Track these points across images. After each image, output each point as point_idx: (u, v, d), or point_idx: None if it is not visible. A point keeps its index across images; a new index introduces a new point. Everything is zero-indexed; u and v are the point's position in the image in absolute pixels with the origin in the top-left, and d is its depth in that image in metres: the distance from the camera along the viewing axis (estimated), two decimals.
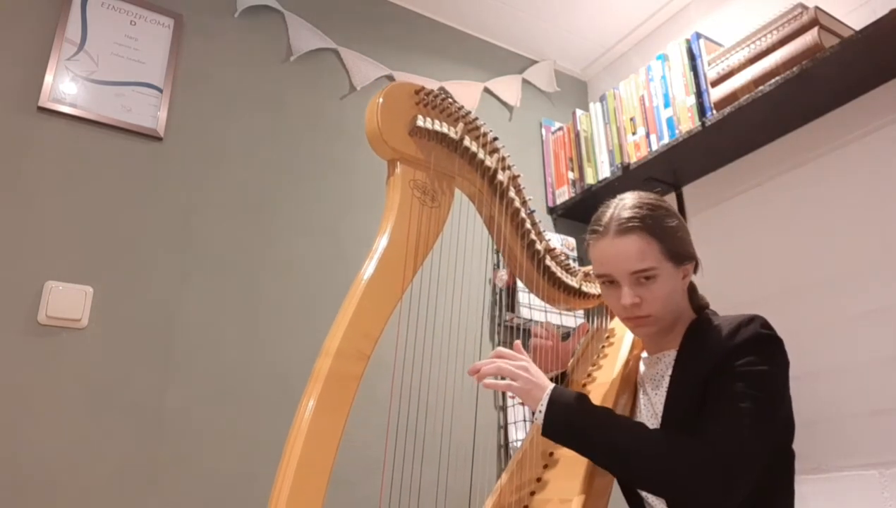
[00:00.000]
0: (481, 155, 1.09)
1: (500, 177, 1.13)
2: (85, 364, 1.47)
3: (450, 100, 1.06)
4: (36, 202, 1.52)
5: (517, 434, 1.88)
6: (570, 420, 0.99)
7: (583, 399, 1.02)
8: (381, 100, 0.98)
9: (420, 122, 1.00)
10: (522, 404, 1.90)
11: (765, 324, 1.03)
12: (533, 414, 1.08)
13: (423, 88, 1.03)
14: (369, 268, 0.90)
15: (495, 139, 1.13)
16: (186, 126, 1.76)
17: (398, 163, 1.00)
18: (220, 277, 1.68)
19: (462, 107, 1.08)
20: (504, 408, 1.94)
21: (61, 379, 1.44)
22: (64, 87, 1.62)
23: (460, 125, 1.07)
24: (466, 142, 1.07)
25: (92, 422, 1.44)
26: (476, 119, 1.10)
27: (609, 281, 1.09)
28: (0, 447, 1.35)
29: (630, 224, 1.06)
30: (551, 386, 1.03)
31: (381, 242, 0.93)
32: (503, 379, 1.06)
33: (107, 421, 1.46)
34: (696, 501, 0.92)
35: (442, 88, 2.23)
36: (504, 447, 1.89)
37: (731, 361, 1.00)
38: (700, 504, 0.92)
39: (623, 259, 1.05)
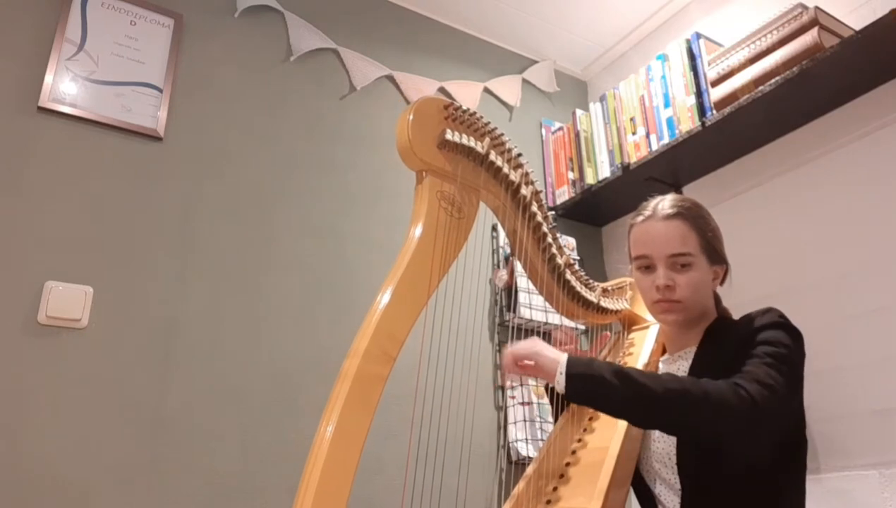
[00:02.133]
0: (506, 169, 1.12)
1: (524, 191, 1.16)
2: (85, 364, 1.47)
3: (477, 115, 1.09)
4: (36, 202, 1.52)
5: (517, 434, 1.88)
6: (590, 374, 0.96)
7: (595, 359, 1.01)
8: (411, 116, 1.01)
9: (448, 136, 1.03)
10: (523, 404, 1.92)
11: (781, 314, 1.07)
12: (548, 389, 1.08)
13: (451, 104, 1.06)
14: (398, 273, 0.92)
15: (520, 155, 1.16)
16: (186, 126, 1.76)
17: (426, 173, 1.02)
18: (220, 277, 1.68)
19: (489, 123, 1.11)
20: (504, 408, 1.94)
21: (61, 379, 1.44)
22: (64, 87, 1.62)
23: (487, 140, 1.09)
24: (492, 156, 1.10)
25: (92, 422, 1.44)
26: (501, 134, 1.13)
27: (645, 267, 1.15)
28: (0, 447, 1.35)
29: (676, 210, 1.13)
30: (565, 355, 1.00)
31: (409, 248, 0.95)
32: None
33: (107, 421, 1.46)
34: (724, 427, 0.92)
35: (442, 88, 2.24)
36: (504, 447, 1.89)
37: (753, 340, 1.03)
38: (728, 431, 0.92)
39: (665, 240, 1.12)
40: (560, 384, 0.97)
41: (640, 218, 1.17)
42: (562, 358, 0.98)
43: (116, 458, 1.44)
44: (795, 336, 1.05)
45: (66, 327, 1.47)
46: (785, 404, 0.97)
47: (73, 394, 1.44)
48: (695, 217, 1.14)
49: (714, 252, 1.14)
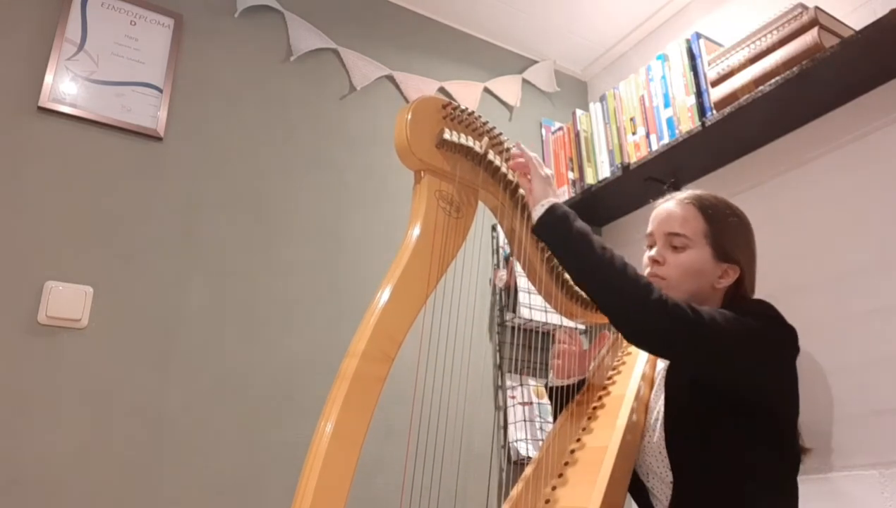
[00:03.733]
0: (504, 169, 1.12)
1: (522, 190, 1.15)
2: (85, 364, 1.47)
3: (476, 115, 1.09)
4: (36, 202, 1.52)
5: (517, 434, 1.88)
6: (564, 224, 1.05)
7: (578, 221, 1.07)
8: (409, 115, 1.01)
9: (447, 135, 1.03)
10: (523, 404, 1.92)
11: (771, 307, 1.07)
12: (548, 390, 1.24)
13: (449, 103, 1.06)
14: (396, 274, 0.92)
15: None
16: (186, 126, 1.76)
17: (424, 173, 1.02)
18: (219, 277, 1.68)
19: (487, 122, 1.11)
20: (504, 408, 1.94)
21: (61, 379, 1.44)
22: (64, 87, 1.62)
23: (485, 139, 1.09)
24: (490, 156, 1.10)
25: (92, 422, 1.44)
26: (500, 134, 1.13)
27: (649, 245, 1.19)
28: (0, 446, 1.35)
29: (692, 198, 1.16)
30: (559, 194, 1.10)
31: (408, 248, 0.95)
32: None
33: (107, 422, 1.46)
34: (634, 320, 0.99)
35: (442, 88, 2.24)
36: (504, 447, 1.89)
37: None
38: (653, 339, 0.99)
39: (666, 220, 1.16)
40: (535, 213, 1.08)
41: (661, 200, 1.21)
42: (548, 200, 1.08)
43: (116, 458, 1.44)
44: (778, 326, 1.05)
45: (66, 327, 1.47)
46: (704, 342, 0.98)
47: (73, 394, 1.44)
48: (707, 207, 1.15)
49: (722, 248, 1.13)
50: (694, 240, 1.12)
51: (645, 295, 0.97)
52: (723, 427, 1.03)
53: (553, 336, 1.39)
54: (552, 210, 1.06)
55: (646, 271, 1.17)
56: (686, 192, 1.19)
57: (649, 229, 1.19)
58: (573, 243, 1.03)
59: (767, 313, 1.06)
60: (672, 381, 1.11)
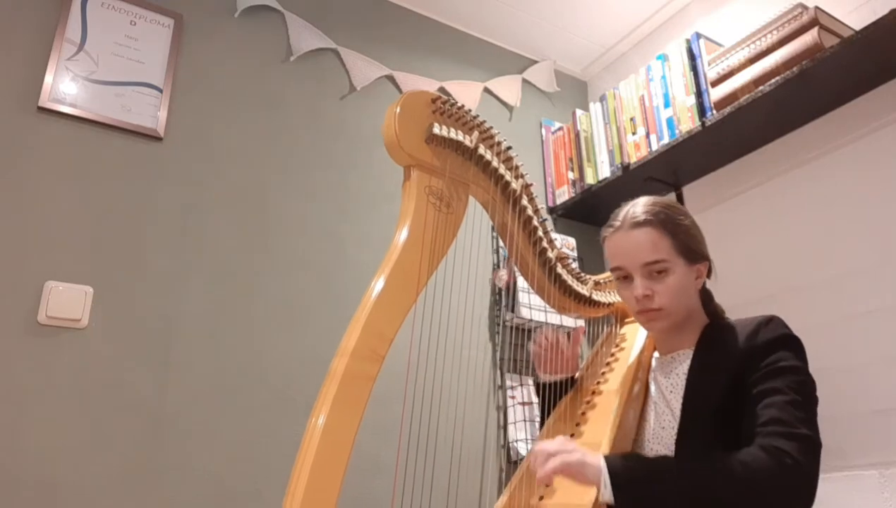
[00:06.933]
0: (495, 163, 1.11)
1: (514, 185, 1.14)
2: (85, 364, 1.47)
3: (465, 109, 1.08)
4: (36, 202, 1.52)
5: (517, 434, 1.88)
6: (638, 485, 0.94)
7: (639, 457, 1.00)
8: (398, 109, 1.00)
9: (436, 130, 1.02)
10: (523, 404, 1.92)
11: (785, 325, 1.06)
12: (538, 389, 1.10)
13: (439, 97, 1.04)
14: (385, 271, 0.91)
15: (509, 148, 1.15)
16: (186, 126, 1.76)
17: (414, 169, 1.01)
18: (219, 277, 1.68)
19: (477, 116, 1.10)
20: (504, 408, 1.94)
21: (61, 379, 1.44)
22: (64, 87, 1.62)
23: (475, 133, 1.08)
24: (481, 150, 1.08)
25: (91, 422, 1.44)
26: (490, 127, 1.12)
27: (623, 277, 1.13)
28: (0, 446, 1.35)
29: (644, 217, 1.11)
30: (600, 456, 0.96)
31: (397, 245, 0.94)
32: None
33: (106, 421, 1.46)
34: (780, 500, 0.94)
35: (442, 88, 2.24)
36: (504, 447, 1.89)
37: (762, 359, 1.02)
38: (785, 502, 0.94)
39: (636, 251, 1.10)
40: (607, 496, 0.93)
41: (611, 229, 1.15)
42: (602, 468, 0.93)
43: (116, 458, 1.44)
44: (801, 348, 1.04)
45: (66, 327, 1.47)
46: (819, 446, 0.98)
47: (73, 394, 1.44)
48: (664, 220, 1.11)
49: (691, 252, 1.12)
50: (670, 259, 1.10)
51: (781, 484, 0.92)
52: (734, 432, 1.02)
53: (534, 340, 1.36)
54: (618, 487, 0.92)
55: (636, 307, 1.12)
56: (631, 212, 1.14)
57: (617, 263, 1.13)
58: (665, 492, 0.93)
59: (795, 344, 1.05)
60: (696, 384, 1.08)
